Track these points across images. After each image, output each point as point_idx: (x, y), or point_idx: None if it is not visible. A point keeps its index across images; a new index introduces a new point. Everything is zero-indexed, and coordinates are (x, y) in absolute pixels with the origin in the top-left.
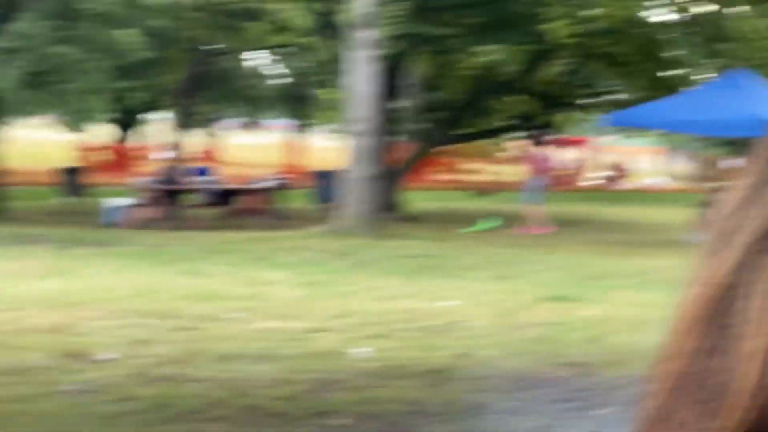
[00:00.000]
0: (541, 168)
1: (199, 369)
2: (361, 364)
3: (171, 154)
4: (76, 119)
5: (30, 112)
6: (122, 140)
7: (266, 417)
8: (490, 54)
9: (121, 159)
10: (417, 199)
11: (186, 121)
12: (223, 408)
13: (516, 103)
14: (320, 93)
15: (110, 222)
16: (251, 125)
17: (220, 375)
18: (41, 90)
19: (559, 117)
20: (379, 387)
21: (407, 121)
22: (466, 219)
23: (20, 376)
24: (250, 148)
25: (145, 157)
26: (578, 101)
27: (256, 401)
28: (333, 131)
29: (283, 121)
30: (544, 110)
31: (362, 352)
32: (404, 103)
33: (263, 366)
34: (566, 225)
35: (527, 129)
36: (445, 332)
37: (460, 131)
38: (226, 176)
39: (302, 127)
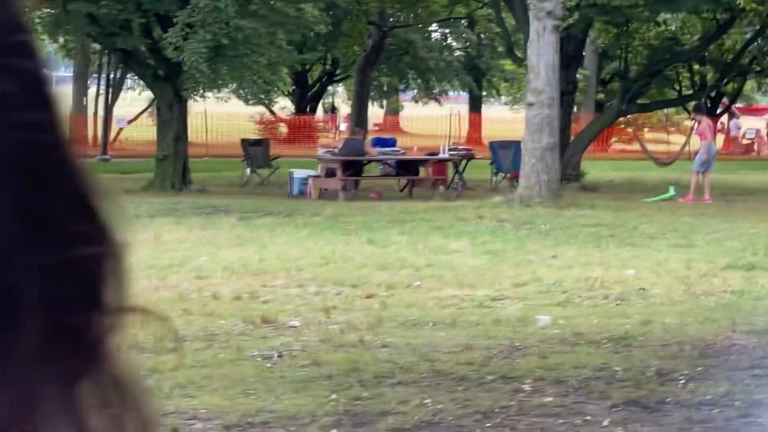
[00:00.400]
0: (713, 136)
1: (385, 335)
2: (544, 331)
3: (352, 126)
4: (259, 92)
5: (214, 85)
6: (305, 112)
7: (454, 381)
8: (670, 23)
9: (303, 131)
10: (597, 168)
11: (366, 93)
12: (411, 373)
13: (697, 72)
14: (500, 64)
15: (295, 193)
16: (430, 96)
17: (406, 341)
18: (226, 63)
19: (742, 85)
20: (563, 353)
21: (587, 91)
22: (646, 188)
23: (212, 341)
24: (428, 120)
25: (327, 129)
26: (762, 69)
27: (443, 366)
28: (511, 102)
29: (461, 93)
30: (725, 79)
31: (544, 319)
32: (584, 73)
33: (448, 332)
34: (749, 194)
35: (708, 98)
36: (626, 300)
37: (640, 101)
38: (405, 147)
39: (480, 98)
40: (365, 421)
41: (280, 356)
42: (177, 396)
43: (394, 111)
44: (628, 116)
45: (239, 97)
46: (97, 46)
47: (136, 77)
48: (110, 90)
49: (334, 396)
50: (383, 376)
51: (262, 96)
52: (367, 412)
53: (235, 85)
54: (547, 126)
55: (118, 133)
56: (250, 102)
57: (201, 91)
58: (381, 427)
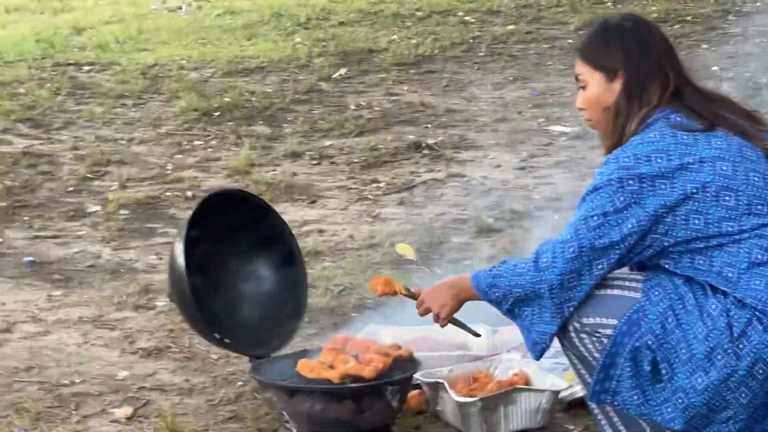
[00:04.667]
0: None
1: None
2: None
3: None
4: None
5: None
6: None
7: (395, 19)
8: None
9: None
10: None
11: None
12: (338, 14)
13: None
14: None
15: None
16: None
17: None
18: None
19: None
20: None
21: None
22: None
23: None
24: None
25: None
26: None
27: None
28: None
29: None
30: None
31: None
32: None
33: None
34: None
35: None
36: None
37: None
38: None
39: None
40: (358, 59)
41: (188, 4)
42: (133, 50)
43: None
44: None
45: None
46: None
47: None
48: None
49: (299, 39)
50: (322, 19)
51: None
52: (350, 49)
53: None
54: None
55: None
56: None
57: None
58: (387, 62)
